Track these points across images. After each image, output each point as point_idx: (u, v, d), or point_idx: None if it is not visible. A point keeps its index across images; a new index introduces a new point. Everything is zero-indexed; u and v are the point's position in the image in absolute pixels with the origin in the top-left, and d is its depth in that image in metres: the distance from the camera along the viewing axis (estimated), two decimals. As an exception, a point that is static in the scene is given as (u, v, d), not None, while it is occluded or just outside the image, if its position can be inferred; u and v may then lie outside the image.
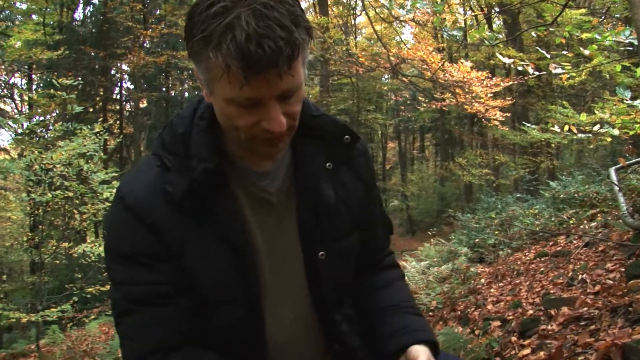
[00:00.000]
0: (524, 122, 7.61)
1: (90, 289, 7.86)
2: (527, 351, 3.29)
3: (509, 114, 15.75)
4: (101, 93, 21.30)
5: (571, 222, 8.32)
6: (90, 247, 8.16)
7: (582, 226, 7.69)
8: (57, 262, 9.50)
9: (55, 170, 7.57)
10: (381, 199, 1.42)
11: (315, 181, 1.19)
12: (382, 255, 1.40)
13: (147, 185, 1.10)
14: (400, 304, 1.29)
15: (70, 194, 7.65)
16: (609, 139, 7.00)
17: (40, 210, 8.33)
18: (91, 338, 6.64)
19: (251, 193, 1.17)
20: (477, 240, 9.16)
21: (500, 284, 6.32)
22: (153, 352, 1.11)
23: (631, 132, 6.81)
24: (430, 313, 6.37)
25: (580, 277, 4.63)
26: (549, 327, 3.50)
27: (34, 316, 6.37)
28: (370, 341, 1.28)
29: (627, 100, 5.74)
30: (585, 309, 3.51)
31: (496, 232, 9.26)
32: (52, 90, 8.19)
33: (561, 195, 9.95)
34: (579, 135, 7.02)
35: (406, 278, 7.50)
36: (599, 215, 7.97)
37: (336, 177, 1.22)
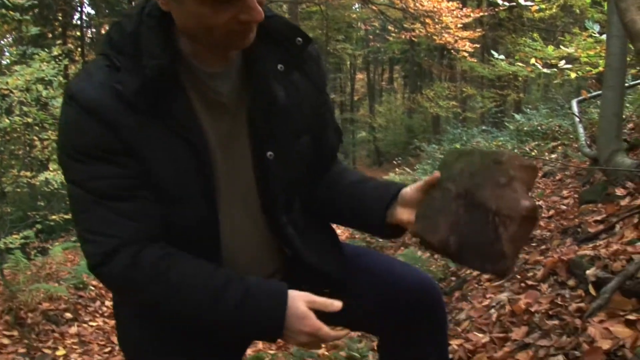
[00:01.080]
0: (492, 52, 7.59)
1: (54, 217, 7.78)
2: (481, 270, 3.43)
3: (478, 45, 15.67)
4: (60, 18, 20.29)
5: (533, 153, 8.50)
6: (52, 175, 8.02)
7: (542, 157, 7.88)
8: (19, 190, 9.30)
9: (12, 96, 7.30)
10: (332, 106, 1.42)
11: (266, 82, 1.18)
12: (334, 160, 1.42)
13: (98, 85, 1.07)
14: (365, 177, 1.36)
15: (30, 120, 7.41)
16: (574, 75, 7.10)
17: (-1, 139, 8.04)
18: (56, 265, 6.65)
19: (203, 93, 1.15)
20: (441, 170, 9.31)
21: (462, 212, 6.49)
22: (126, 244, 1.09)
23: (595, 71, 6.91)
24: (392, 239, 6.54)
25: (536, 203, 4.79)
26: (504, 248, 3.65)
27: (-4, 243, 6.30)
28: (355, 216, 1.32)
29: (595, 34, 5.78)
30: (539, 231, 3.65)
31: (460, 163, 9.41)
32: (3, 10, 7.76)
33: (525, 128, 10.11)
34: (545, 69, 7.09)
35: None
36: (560, 147, 8.16)
37: (288, 80, 1.21)
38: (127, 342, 1.33)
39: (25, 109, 7.35)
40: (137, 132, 1.08)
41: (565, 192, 4.83)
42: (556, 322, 2.15)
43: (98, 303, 5.49)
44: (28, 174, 8.26)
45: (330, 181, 1.37)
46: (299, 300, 1.10)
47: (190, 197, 1.13)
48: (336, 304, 1.11)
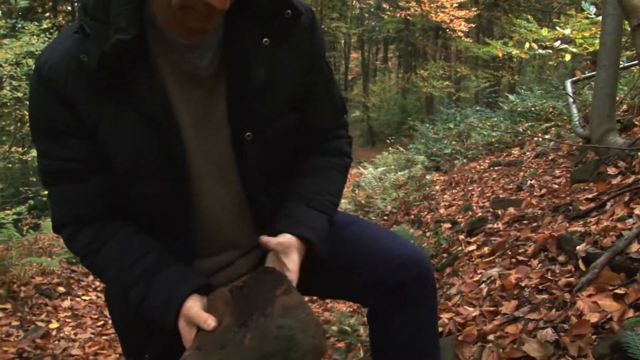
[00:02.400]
0: (487, 38, 7.56)
1: (46, 192, 7.75)
2: (472, 247, 3.46)
3: (473, 25, 15.61)
4: (50, -9, 19.98)
5: (527, 133, 8.52)
6: (44, 149, 7.93)
7: (536, 138, 7.90)
8: (10, 165, 9.26)
9: (1, 70, 7.24)
10: (333, 77, 1.33)
11: (244, 59, 1.11)
12: (330, 136, 1.33)
13: (64, 53, 1.04)
14: (307, 195, 1.24)
15: (20, 95, 7.35)
16: (568, 57, 7.07)
17: (-11, 114, 8.01)
18: (48, 240, 6.64)
19: (177, 65, 1.10)
20: (434, 149, 9.34)
21: (454, 191, 6.53)
22: (68, 223, 1.18)
23: (590, 49, 6.89)
24: (385, 217, 6.57)
25: (529, 182, 4.81)
26: (495, 225, 3.67)
27: (-12, 219, 6.28)
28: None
29: (591, 15, 5.76)
30: (530, 209, 3.68)
31: (453, 143, 9.44)
32: (-7, -18, 7.64)
33: (519, 109, 10.12)
34: (540, 50, 7.06)
35: (362, 183, 7.66)
36: (553, 128, 8.18)
37: (273, 55, 1.14)
38: (106, 296, 1.39)
39: (15, 83, 7.28)
40: (97, 108, 1.05)
41: (557, 172, 4.85)
42: (546, 296, 2.17)
43: (91, 277, 5.50)
44: (20, 150, 8.22)
45: (295, 174, 1.30)
46: (181, 319, 1.09)
47: (153, 176, 1.11)
48: (208, 324, 1.04)
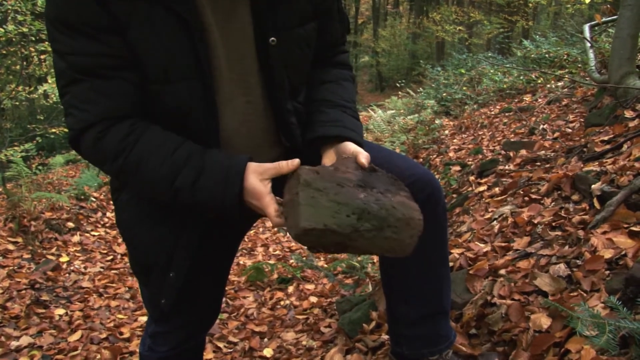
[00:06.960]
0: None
1: (53, 130, 7.74)
2: (483, 188, 3.43)
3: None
4: None
5: (539, 81, 8.36)
6: (52, 87, 7.88)
7: (549, 85, 7.76)
8: (17, 103, 9.21)
9: (6, 4, 7.09)
10: None
11: None
12: (337, 50, 1.39)
13: None
14: (341, 102, 1.30)
15: (25, 30, 7.22)
16: (587, 0, 6.79)
17: (-5, 51, 7.92)
18: (57, 177, 6.67)
19: None
20: (444, 94, 9.18)
21: (464, 135, 6.46)
22: (98, 121, 1.11)
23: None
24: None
25: (541, 127, 4.74)
26: (507, 167, 3.63)
27: (-4, 156, 6.30)
28: (304, 128, 1.30)
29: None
30: (543, 151, 3.62)
31: (464, 88, 9.27)
32: None
33: (532, 55, 9.87)
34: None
35: (371, 126, 7.59)
36: (567, 75, 8.01)
37: None
38: (123, 222, 1.37)
39: (20, 17, 7.15)
40: (129, 6, 1.04)
41: (571, 117, 4.77)
42: (559, 233, 2.15)
43: (99, 214, 5.54)
44: (27, 88, 8.17)
45: (315, 82, 1.34)
46: (252, 176, 1.10)
47: (182, 77, 1.11)
48: (291, 163, 1.09)
